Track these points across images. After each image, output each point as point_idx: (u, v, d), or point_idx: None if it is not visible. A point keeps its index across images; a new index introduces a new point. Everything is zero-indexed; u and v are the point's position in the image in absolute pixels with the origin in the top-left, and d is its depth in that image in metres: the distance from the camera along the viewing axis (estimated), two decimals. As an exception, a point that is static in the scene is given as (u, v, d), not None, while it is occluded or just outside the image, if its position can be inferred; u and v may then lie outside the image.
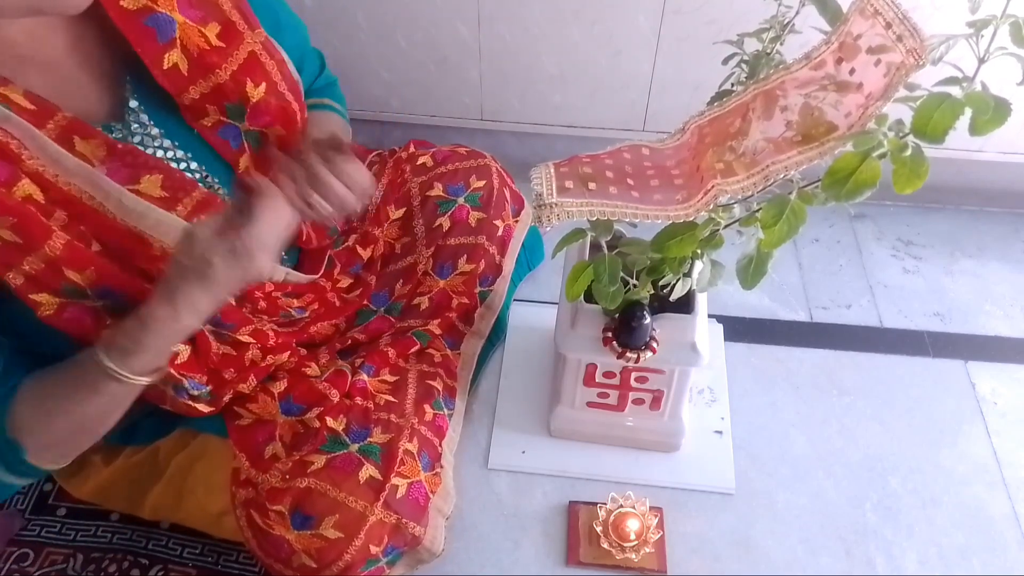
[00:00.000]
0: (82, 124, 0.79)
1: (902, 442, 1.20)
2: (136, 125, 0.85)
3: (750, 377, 1.28)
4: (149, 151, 0.86)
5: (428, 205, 1.25)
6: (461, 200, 1.25)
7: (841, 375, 1.29)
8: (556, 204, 0.79)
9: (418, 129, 1.58)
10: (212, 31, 0.86)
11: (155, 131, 0.87)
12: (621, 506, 1.08)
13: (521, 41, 1.42)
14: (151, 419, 1.03)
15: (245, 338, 0.97)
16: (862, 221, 1.55)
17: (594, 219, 0.81)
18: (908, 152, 0.63)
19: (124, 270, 0.81)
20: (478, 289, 1.23)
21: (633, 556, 1.05)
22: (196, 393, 0.94)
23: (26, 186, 0.74)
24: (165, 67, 0.84)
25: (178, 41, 0.84)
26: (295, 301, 1.06)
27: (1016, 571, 1.07)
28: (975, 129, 0.59)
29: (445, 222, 1.23)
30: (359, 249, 1.22)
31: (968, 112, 0.60)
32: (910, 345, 1.33)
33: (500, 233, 1.26)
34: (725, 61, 0.94)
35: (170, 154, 0.88)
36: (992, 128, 0.59)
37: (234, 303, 0.94)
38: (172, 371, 0.88)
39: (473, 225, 1.24)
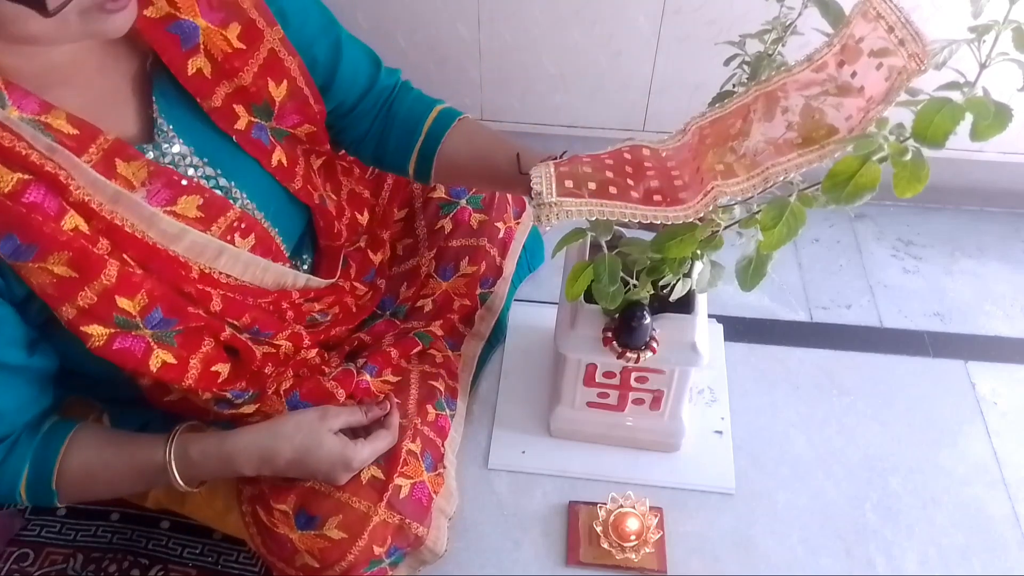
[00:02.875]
0: (124, 146, 0.79)
1: (902, 442, 1.20)
2: (166, 144, 0.85)
3: (750, 377, 1.29)
4: (181, 169, 0.85)
5: (430, 207, 1.25)
6: (463, 202, 1.25)
7: (841, 375, 1.29)
8: (556, 204, 0.79)
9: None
10: (233, 32, 0.85)
11: (185, 149, 0.86)
12: (621, 506, 1.08)
13: (521, 41, 1.42)
14: (164, 418, 1.03)
15: (283, 343, 0.99)
16: (862, 221, 1.55)
17: (594, 219, 0.81)
18: (908, 156, 0.63)
19: (170, 293, 0.82)
20: (479, 291, 1.23)
21: (633, 556, 1.05)
22: (239, 401, 0.95)
23: (73, 218, 0.74)
24: (190, 73, 0.84)
25: (202, 47, 0.84)
26: (316, 305, 1.06)
27: (1016, 571, 1.07)
28: (976, 134, 0.59)
29: (447, 224, 1.23)
30: (370, 253, 1.22)
31: (969, 117, 0.60)
32: (910, 345, 1.33)
33: (501, 235, 1.26)
34: (727, 62, 0.94)
35: (200, 171, 0.87)
36: (993, 134, 0.59)
37: (271, 311, 0.97)
38: (214, 390, 0.90)
39: (475, 227, 1.24)
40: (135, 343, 0.81)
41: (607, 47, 1.41)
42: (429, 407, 1.08)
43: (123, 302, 0.78)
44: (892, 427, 1.22)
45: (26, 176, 0.71)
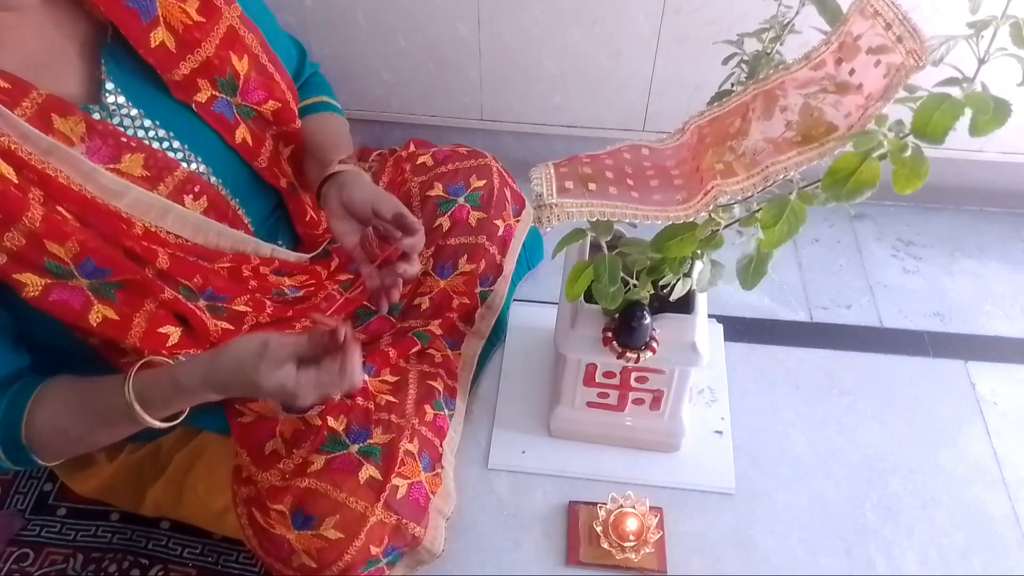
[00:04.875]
0: (60, 101, 0.79)
1: (902, 442, 1.20)
2: (114, 107, 0.85)
3: (750, 377, 1.28)
4: (130, 132, 0.85)
5: (428, 205, 1.25)
6: (461, 200, 1.25)
7: (841, 375, 1.29)
8: (556, 204, 0.79)
9: (418, 129, 1.58)
10: (192, 6, 0.87)
11: (135, 111, 0.86)
12: (621, 506, 1.08)
13: (521, 41, 1.42)
14: None
15: (241, 307, 0.97)
16: (862, 221, 1.55)
17: (594, 219, 0.81)
18: (908, 152, 0.63)
19: (106, 246, 0.81)
20: (478, 289, 1.23)
21: (633, 556, 1.05)
22: None
23: None
24: (152, 46, 0.84)
25: (161, 19, 0.84)
26: (287, 280, 1.05)
27: (1016, 571, 1.07)
28: (975, 129, 0.59)
29: (445, 222, 1.23)
30: None
31: (968, 113, 0.60)
32: (910, 345, 1.33)
33: (501, 233, 1.26)
34: (725, 61, 0.94)
35: (151, 133, 0.88)
36: (992, 128, 0.59)
37: (227, 276, 0.95)
38: (164, 353, 0.89)
39: (473, 225, 1.24)
40: (73, 295, 0.80)
41: (607, 47, 1.41)
42: (427, 407, 1.08)
43: (53, 247, 0.76)
44: (892, 427, 1.21)
45: None
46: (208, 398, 0.83)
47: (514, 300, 1.35)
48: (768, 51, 0.90)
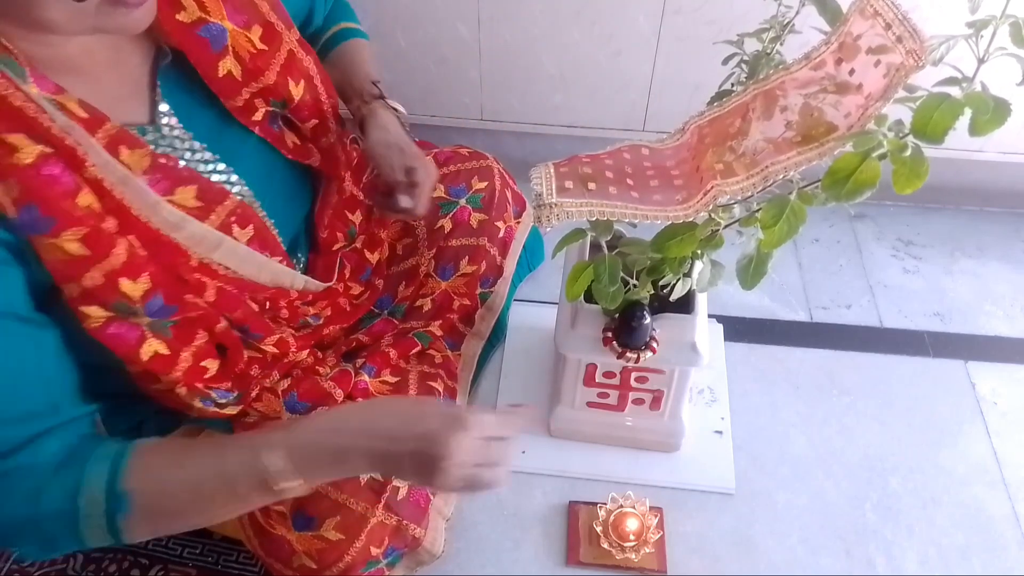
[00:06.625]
0: (129, 134, 0.79)
1: (902, 442, 1.20)
2: (167, 128, 0.85)
3: (750, 377, 1.28)
4: (179, 153, 0.86)
5: (429, 206, 1.25)
6: (463, 201, 1.25)
7: (841, 375, 1.29)
8: (556, 204, 0.79)
9: (418, 129, 1.58)
10: (256, 34, 0.89)
11: (185, 134, 0.87)
12: (621, 506, 1.08)
13: (521, 41, 1.42)
14: (157, 417, 1.03)
15: (270, 348, 0.98)
16: (862, 221, 1.55)
17: (594, 219, 0.81)
18: (908, 152, 0.63)
19: (170, 278, 0.82)
20: (479, 290, 1.23)
21: (633, 556, 1.05)
22: (223, 402, 0.94)
23: (86, 195, 0.74)
24: (220, 75, 0.86)
25: (230, 48, 0.86)
26: (311, 309, 1.07)
27: (1016, 571, 1.07)
28: (975, 129, 0.59)
29: (447, 223, 1.23)
30: (367, 253, 1.22)
31: (968, 112, 0.60)
32: (910, 345, 1.33)
33: (501, 235, 1.26)
34: (725, 61, 0.94)
35: (199, 156, 0.88)
36: (992, 128, 0.59)
37: (257, 310, 0.96)
38: (199, 386, 0.89)
39: (474, 226, 1.24)
40: (130, 331, 0.80)
41: (607, 47, 1.41)
42: (428, 408, 1.08)
43: (126, 285, 0.77)
44: (892, 427, 1.21)
45: (47, 150, 0.71)
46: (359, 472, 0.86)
47: (514, 300, 1.35)
48: (768, 51, 0.90)
